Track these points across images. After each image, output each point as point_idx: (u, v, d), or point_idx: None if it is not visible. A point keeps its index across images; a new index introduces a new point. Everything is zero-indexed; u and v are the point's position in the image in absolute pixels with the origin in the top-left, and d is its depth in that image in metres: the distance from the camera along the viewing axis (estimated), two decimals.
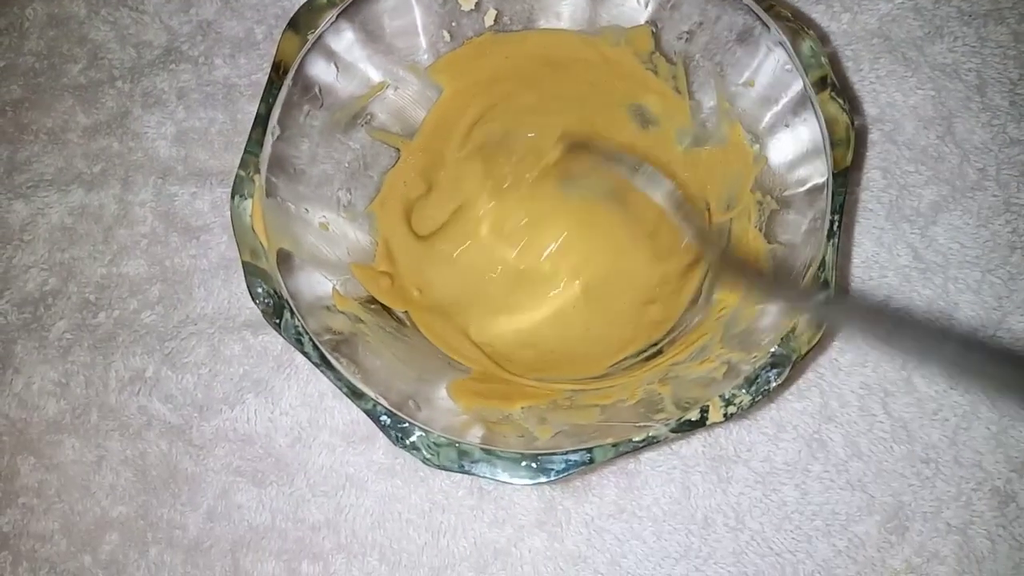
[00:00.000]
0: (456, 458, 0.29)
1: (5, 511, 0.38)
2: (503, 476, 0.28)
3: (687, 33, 0.33)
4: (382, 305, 0.35)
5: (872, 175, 0.40)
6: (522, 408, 0.32)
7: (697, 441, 0.38)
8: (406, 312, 0.36)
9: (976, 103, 0.40)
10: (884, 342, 0.24)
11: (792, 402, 0.38)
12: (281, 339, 0.38)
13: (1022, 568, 0.36)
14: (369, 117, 0.36)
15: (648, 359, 0.34)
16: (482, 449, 0.29)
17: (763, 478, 0.37)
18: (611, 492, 0.37)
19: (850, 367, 0.38)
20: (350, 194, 0.36)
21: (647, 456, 0.37)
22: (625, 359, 0.35)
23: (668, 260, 0.35)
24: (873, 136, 0.40)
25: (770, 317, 0.30)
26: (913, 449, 0.37)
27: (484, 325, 0.36)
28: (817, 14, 0.41)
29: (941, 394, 0.38)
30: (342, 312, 0.33)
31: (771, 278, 0.29)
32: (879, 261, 0.39)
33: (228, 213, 0.40)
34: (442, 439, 0.29)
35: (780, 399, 0.38)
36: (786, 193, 0.32)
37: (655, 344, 0.34)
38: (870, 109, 0.40)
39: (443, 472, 0.37)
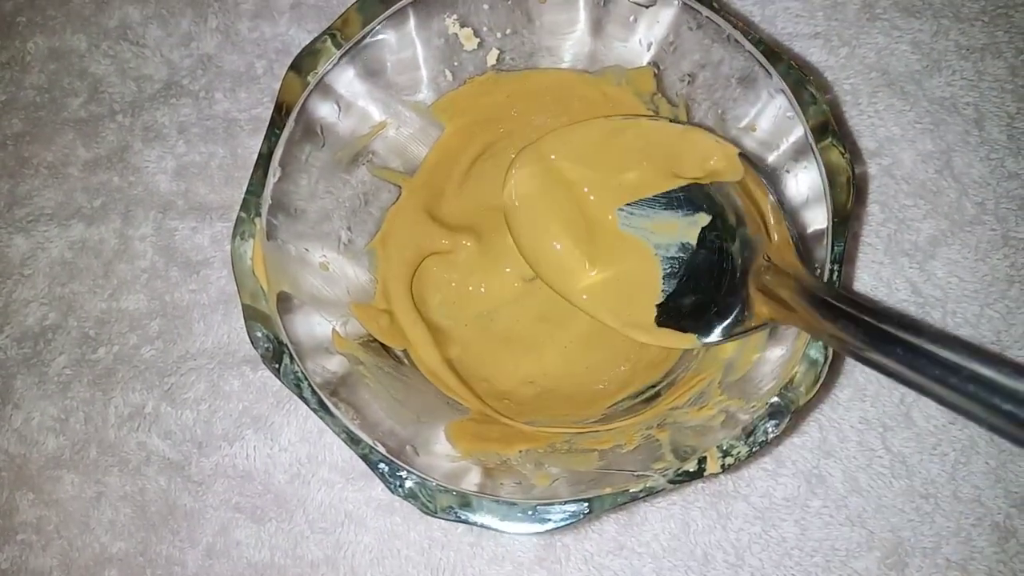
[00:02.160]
0: (454, 505, 0.28)
1: (3, 547, 0.38)
2: (501, 525, 0.28)
3: (689, 76, 0.33)
4: (381, 344, 0.35)
5: (871, 209, 0.40)
6: (520, 452, 0.32)
7: None
8: (404, 351, 0.36)
9: (974, 137, 0.40)
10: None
11: (791, 437, 0.38)
12: None
13: None
14: (371, 155, 0.36)
15: (646, 401, 0.34)
16: (479, 497, 0.28)
17: (762, 514, 0.37)
18: (611, 528, 0.37)
19: (848, 402, 0.38)
20: (350, 232, 0.36)
21: None
22: (623, 400, 0.35)
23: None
24: (871, 170, 0.40)
25: (769, 365, 0.30)
26: (912, 484, 0.37)
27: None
28: (815, 48, 0.41)
29: (940, 429, 0.38)
30: (341, 353, 0.33)
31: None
32: (878, 295, 0.39)
33: (228, 248, 0.40)
34: (439, 488, 0.29)
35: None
36: None
37: (653, 386, 0.34)
38: (868, 143, 0.40)
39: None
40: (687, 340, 0.32)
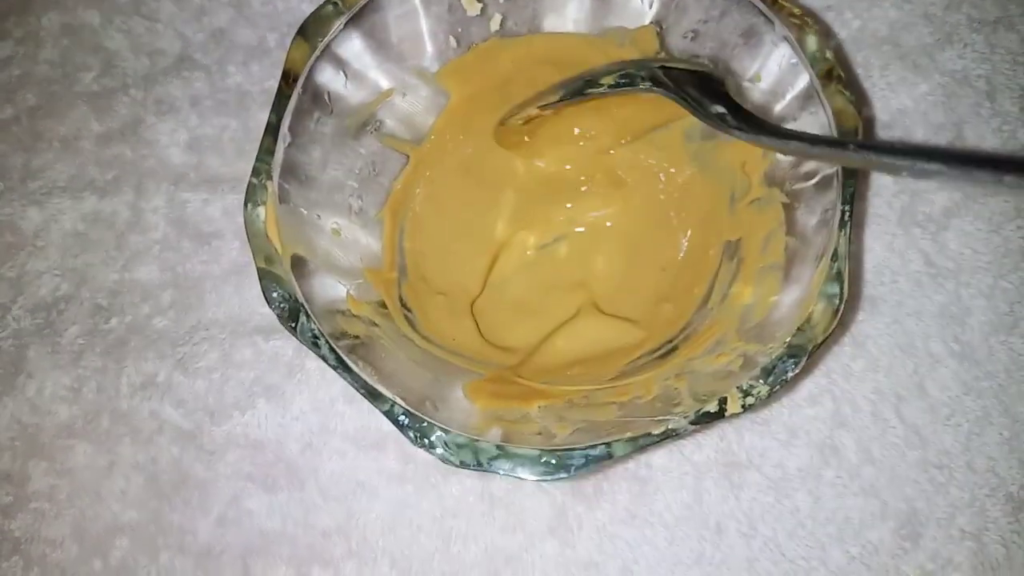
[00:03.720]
0: (475, 456, 0.28)
1: (17, 516, 0.39)
2: (522, 473, 0.28)
3: (692, 32, 0.33)
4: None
5: (883, 181, 0.40)
6: (539, 407, 0.32)
7: (709, 447, 0.37)
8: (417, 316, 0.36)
9: (986, 109, 0.40)
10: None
11: (804, 408, 0.38)
12: (292, 344, 0.38)
13: None
14: (378, 123, 0.36)
15: (662, 356, 0.34)
16: (500, 447, 0.28)
17: (775, 484, 0.37)
18: (623, 498, 0.37)
19: (862, 372, 0.38)
20: (361, 200, 0.36)
21: (659, 462, 0.37)
22: (640, 357, 0.35)
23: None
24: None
25: (785, 308, 0.30)
26: (926, 455, 0.37)
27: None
28: (828, 20, 0.41)
29: (954, 399, 0.37)
30: (357, 316, 0.33)
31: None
32: (891, 266, 0.39)
33: (240, 219, 0.40)
34: (461, 438, 0.29)
35: (792, 405, 0.38)
36: (796, 187, 0.32)
37: (670, 341, 0.34)
38: (880, 115, 0.40)
39: (454, 478, 0.37)
40: None
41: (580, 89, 0.33)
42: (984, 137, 0.40)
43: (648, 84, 0.31)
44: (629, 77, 0.32)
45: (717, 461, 0.37)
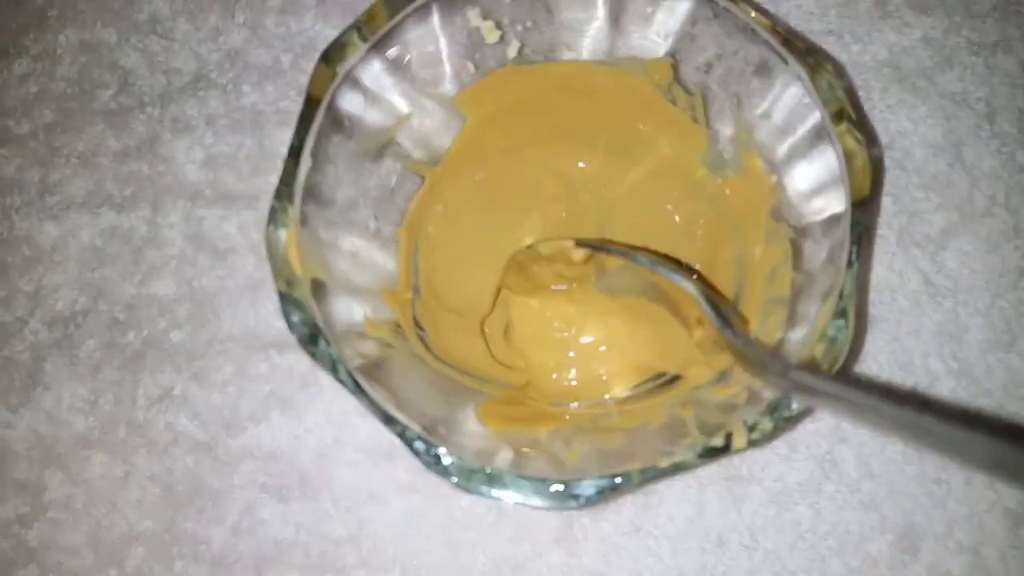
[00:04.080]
0: (487, 482, 0.29)
1: (33, 525, 0.39)
2: (533, 501, 0.29)
3: (706, 65, 0.34)
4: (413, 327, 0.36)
5: (883, 202, 0.40)
6: (548, 431, 0.33)
7: None
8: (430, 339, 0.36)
9: (985, 131, 0.41)
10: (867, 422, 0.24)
11: (805, 423, 0.39)
12: (306, 358, 0.39)
13: None
14: (396, 146, 0.37)
15: (666, 384, 0.35)
16: (513, 474, 0.29)
17: (776, 498, 0.38)
18: (627, 510, 0.38)
19: None
20: (377, 220, 0.37)
21: None
22: (646, 381, 0.35)
23: (717, 355, 0.34)
24: (884, 164, 0.41)
25: (790, 345, 0.30)
26: (924, 469, 0.38)
27: None
28: (828, 44, 0.42)
29: None
30: (373, 337, 0.33)
31: (800, 370, 0.28)
32: (890, 286, 0.40)
33: (255, 235, 0.42)
34: (474, 464, 0.29)
35: None
36: (804, 222, 0.33)
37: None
38: (880, 137, 0.41)
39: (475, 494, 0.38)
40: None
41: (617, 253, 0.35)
42: (983, 158, 0.41)
43: (692, 277, 0.33)
44: (671, 268, 0.33)
45: (719, 475, 0.38)
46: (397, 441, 0.34)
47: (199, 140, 0.43)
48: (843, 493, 0.38)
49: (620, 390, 0.36)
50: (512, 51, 0.36)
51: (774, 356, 0.30)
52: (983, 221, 0.40)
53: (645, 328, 0.36)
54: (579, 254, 0.35)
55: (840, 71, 0.41)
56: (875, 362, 0.39)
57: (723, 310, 0.31)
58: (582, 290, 0.37)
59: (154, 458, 0.40)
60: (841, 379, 0.29)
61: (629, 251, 0.35)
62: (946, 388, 0.39)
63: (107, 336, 0.41)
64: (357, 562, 0.38)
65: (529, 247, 0.37)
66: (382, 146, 0.36)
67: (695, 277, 0.35)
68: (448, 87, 0.37)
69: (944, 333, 0.39)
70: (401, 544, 0.38)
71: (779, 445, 0.38)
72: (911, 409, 0.22)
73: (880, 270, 0.40)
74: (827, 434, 0.38)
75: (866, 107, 0.42)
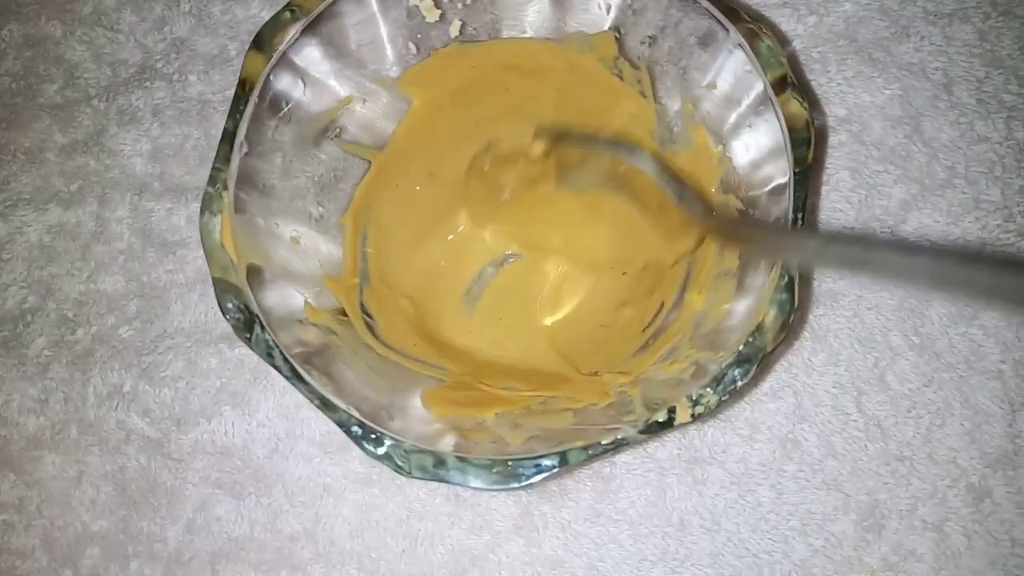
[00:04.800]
0: (429, 466, 0.29)
1: None
2: (475, 483, 0.28)
3: (650, 38, 0.33)
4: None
5: (841, 176, 0.40)
6: (496, 414, 0.32)
7: (672, 444, 0.38)
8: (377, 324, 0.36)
9: (943, 102, 0.41)
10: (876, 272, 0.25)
11: (766, 403, 0.38)
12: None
13: (998, 563, 0.36)
14: (339, 130, 0.36)
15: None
16: (455, 456, 0.29)
17: (738, 479, 0.37)
18: (587, 496, 0.37)
19: (823, 367, 0.38)
20: (321, 207, 0.36)
21: (622, 460, 0.38)
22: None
23: (679, 238, 0.34)
24: (841, 137, 0.40)
25: (737, 317, 0.30)
26: (887, 447, 0.37)
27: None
28: (783, 17, 0.42)
29: (915, 392, 0.38)
30: (314, 324, 0.33)
31: (760, 225, 0.29)
32: None
33: None
34: (414, 447, 0.29)
35: (754, 400, 0.38)
36: (751, 194, 0.33)
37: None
38: (837, 110, 0.41)
39: (420, 480, 0.37)
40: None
41: (577, 139, 0.34)
42: (941, 130, 0.40)
43: (647, 156, 0.33)
44: (630, 148, 0.33)
45: (680, 457, 0.38)
46: None
47: (146, 132, 0.42)
48: (805, 473, 0.37)
49: (580, 288, 0.36)
50: (454, 30, 0.35)
51: (737, 219, 0.31)
52: (943, 193, 0.40)
53: (607, 224, 0.36)
54: (538, 147, 0.34)
55: (782, 38, 0.41)
56: (836, 339, 0.38)
57: (680, 183, 0.31)
58: (543, 191, 0.37)
59: (107, 457, 0.39)
60: (789, 229, 0.29)
61: (587, 136, 0.35)
62: (908, 363, 0.38)
63: (56, 334, 0.40)
64: (314, 557, 0.37)
65: (487, 148, 0.36)
66: (323, 130, 0.35)
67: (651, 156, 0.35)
68: (391, 69, 0.36)
69: (905, 308, 0.39)
70: (358, 537, 0.37)
71: (741, 426, 0.38)
72: (840, 243, 0.25)
73: None
74: (788, 414, 0.38)
75: (822, 80, 0.41)
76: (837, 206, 0.40)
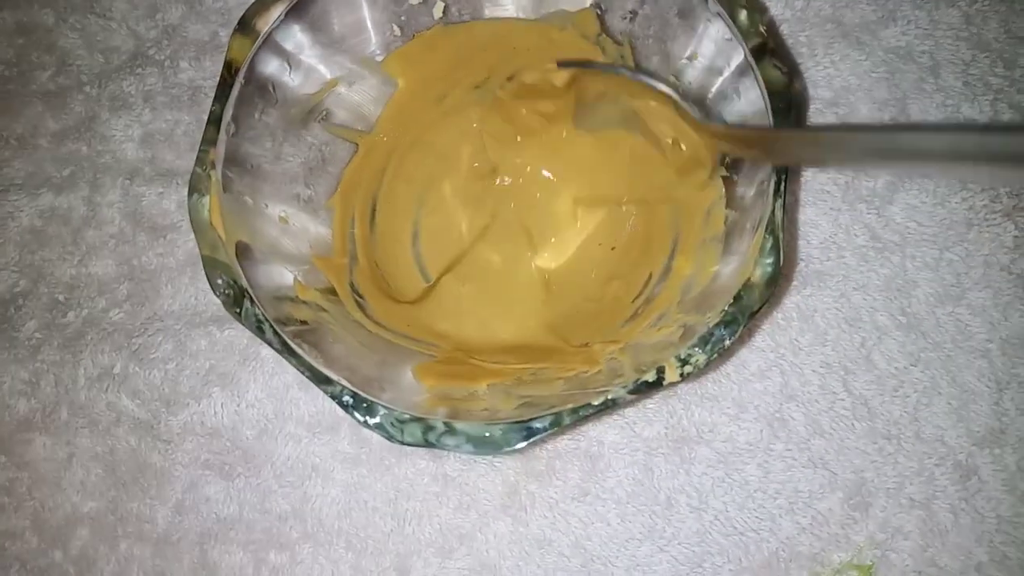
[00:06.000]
0: (421, 433, 0.29)
1: None
2: (468, 448, 0.29)
3: (631, 13, 0.34)
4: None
5: None
6: (488, 385, 0.33)
7: (659, 423, 0.38)
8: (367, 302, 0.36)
9: (930, 84, 0.41)
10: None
11: (753, 382, 0.38)
12: (247, 333, 0.38)
13: (984, 540, 0.36)
14: (325, 113, 0.36)
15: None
16: (446, 423, 0.29)
17: (725, 458, 0.37)
18: (575, 475, 0.37)
19: (810, 346, 0.38)
20: (310, 189, 0.36)
21: (610, 439, 0.38)
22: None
23: (692, 171, 0.34)
24: (828, 119, 0.41)
25: (724, 279, 0.30)
26: (874, 426, 0.37)
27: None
28: (771, 2, 0.42)
29: (901, 371, 0.38)
30: (304, 302, 0.33)
31: (776, 130, 0.30)
32: (836, 241, 0.39)
33: None
34: (406, 415, 0.29)
35: (741, 379, 0.38)
36: (735, 159, 0.33)
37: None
38: (824, 93, 0.41)
39: (408, 460, 0.38)
40: None
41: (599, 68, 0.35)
42: (928, 112, 0.40)
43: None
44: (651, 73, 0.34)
45: (667, 436, 0.38)
46: (339, 413, 0.34)
47: (137, 117, 0.42)
48: (792, 452, 0.37)
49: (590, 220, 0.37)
50: (437, 11, 0.36)
51: (755, 128, 0.31)
52: (929, 174, 0.40)
53: (623, 161, 0.37)
54: (561, 76, 0.34)
55: (761, 7, 0.41)
56: (823, 319, 0.38)
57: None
58: (562, 129, 0.37)
59: (97, 438, 0.39)
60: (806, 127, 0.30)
61: (610, 64, 0.35)
62: (895, 343, 0.38)
63: (47, 317, 0.41)
64: (302, 536, 0.37)
65: (511, 78, 0.36)
66: (309, 112, 0.35)
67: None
68: (375, 51, 0.36)
69: (892, 288, 0.39)
70: (346, 517, 0.37)
71: (728, 405, 0.38)
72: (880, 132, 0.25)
73: (827, 226, 0.39)
74: (775, 393, 0.38)
75: (810, 63, 0.41)
76: (824, 187, 0.40)
